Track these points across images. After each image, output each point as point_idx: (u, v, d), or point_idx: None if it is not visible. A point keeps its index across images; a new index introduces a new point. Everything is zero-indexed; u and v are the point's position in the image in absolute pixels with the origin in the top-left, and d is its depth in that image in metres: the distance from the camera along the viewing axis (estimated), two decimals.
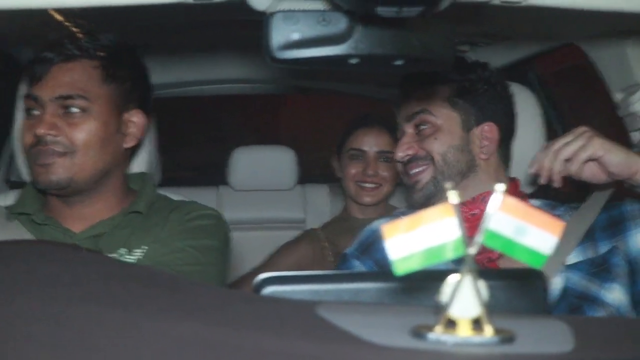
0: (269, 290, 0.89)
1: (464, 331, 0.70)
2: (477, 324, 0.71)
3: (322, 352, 0.68)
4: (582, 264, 1.71)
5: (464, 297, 0.70)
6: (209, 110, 8.60)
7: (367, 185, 2.80)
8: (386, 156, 2.79)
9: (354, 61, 1.09)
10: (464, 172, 1.79)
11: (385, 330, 0.73)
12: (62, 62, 1.75)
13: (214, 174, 3.71)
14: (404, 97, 1.87)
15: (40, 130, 1.70)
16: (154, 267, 1.56)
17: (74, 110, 1.74)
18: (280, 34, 1.07)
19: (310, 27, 1.08)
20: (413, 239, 0.71)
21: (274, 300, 0.83)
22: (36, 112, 1.75)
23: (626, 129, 2.06)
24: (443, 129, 1.80)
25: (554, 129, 2.98)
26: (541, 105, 2.12)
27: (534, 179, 1.84)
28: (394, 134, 2.73)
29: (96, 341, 0.66)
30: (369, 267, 1.82)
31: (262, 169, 3.43)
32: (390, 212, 2.52)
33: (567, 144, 1.62)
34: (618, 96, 2.05)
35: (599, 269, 1.69)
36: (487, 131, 1.82)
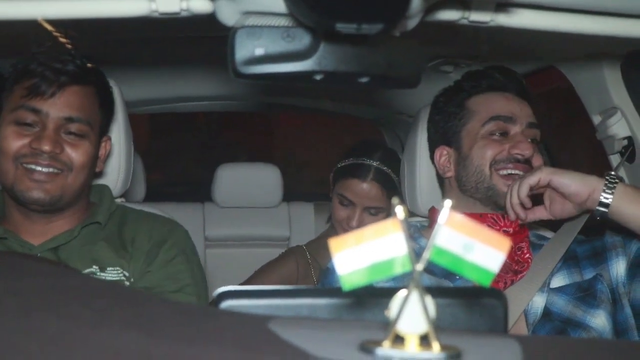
0: (226, 304, 0.88)
1: (411, 347, 0.70)
2: (425, 340, 0.70)
3: None
4: (568, 288, 1.72)
5: (412, 313, 0.70)
6: (197, 127, 8.61)
7: (350, 230, 2.77)
8: (375, 210, 2.74)
9: (318, 77, 1.09)
10: None
11: (333, 345, 0.72)
12: (73, 84, 1.79)
13: (201, 191, 3.71)
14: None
15: (45, 147, 1.73)
16: (113, 283, 1.56)
17: (75, 132, 1.79)
18: (244, 49, 1.07)
19: (274, 42, 1.07)
20: (360, 254, 0.70)
21: (226, 314, 0.83)
22: (34, 126, 1.76)
23: (605, 152, 2.08)
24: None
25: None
26: None
27: None
28: (386, 186, 2.72)
29: (27, 349, 0.65)
30: None
31: (247, 186, 3.43)
32: None
33: (522, 179, 1.68)
34: (596, 119, 2.06)
35: (585, 293, 1.71)
36: None
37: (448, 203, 0.70)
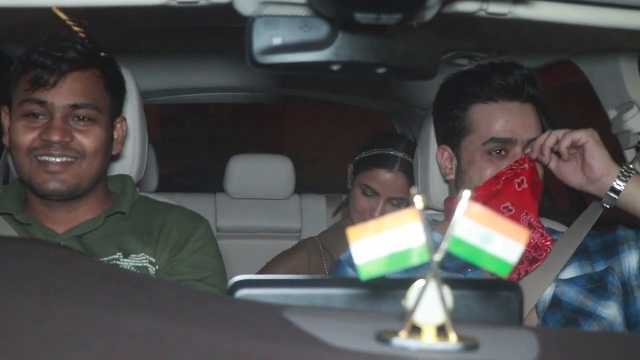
0: (241, 293, 0.88)
1: (428, 337, 0.70)
2: (441, 330, 0.70)
3: (284, 355, 0.67)
4: (579, 279, 1.72)
5: (429, 304, 0.70)
6: (210, 118, 8.63)
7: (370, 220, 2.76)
8: (397, 201, 2.72)
9: (335, 67, 1.09)
10: None
11: (350, 334, 0.72)
12: (75, 70, 1.79)
13: (211, 183, 3.72)
14: None
15: (55, 137, 1.73)
16: (124, 269, 1.58)
17: (85, 118, 1.79)
18: (262, 39, 1.07)
19: (291, 32, 1.07)
20: (378, 244, 0.70)
21: (242, 302, 0.83)
22: (41, 117, 1.77)
23: (620, 147, 2.07)
24: None
25: None
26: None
27: None
28: (411, 177, 2.71)
29: (44, 332, 0.65)
30: None
31: (259, 178, 3.43)
32: None
33: (566, 133, 1.69)
34: (611, 113, 2.05)
35: (596, 285, 1.71)
36: None
37: (467, 194, 0.70)
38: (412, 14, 0.97)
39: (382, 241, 0.70)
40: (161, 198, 2.06)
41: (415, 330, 0.70)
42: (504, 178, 1.74)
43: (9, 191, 1.90)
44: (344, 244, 2.77)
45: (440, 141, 1.94)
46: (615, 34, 1.53)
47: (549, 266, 1.71)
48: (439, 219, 2.01)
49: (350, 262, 1.85)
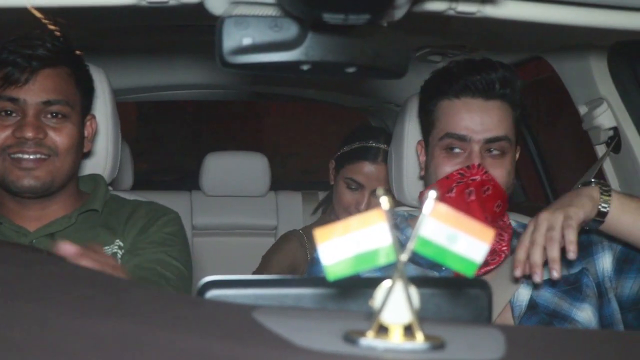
0: (211, 294, 0.88)
1: (395, 337, 0.70)
2: (409, 330, 0.71)
3: (251, 357, 0.68)
4: (554, 281, 1.72)
5: (396, 303, 0.70)
6: (186, 116, 8.60)
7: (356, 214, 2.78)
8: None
9: (305, 67, 1.09)
10: None
11: (317, 335, 0.72)
12: (46, 67, 1.78)
13: (187, 180, 3.72)
14: None
15: (28, 134, 1.72)
16: (95, 271, 1.57)
17: (57, 115, 1.78)
18: (232, 39, 1.07)
19: (261, 32, 1.07)
20: (345, 244, 0.71)
21: (211, 303, 0.83)
22: (14, 115, 1.76)
23: (592, 143, 2.09)
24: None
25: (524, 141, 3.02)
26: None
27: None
28: None
29: (10, 337, 0.65)
30: None
31: (234, 175, 3.43)
32: None
33: (549, 232, 1.53)
34: (582, 110, 2.07)
35: (571, 287, 1.71)
36: None
37: (433, 194, 0.70)
38: (380, 14, 0.97)
39: (349, 242, 0.71)
40: (135, 196, 2.05)
41: (383, 330, 0.71)
42: (454, 184, 1.71)
43: None
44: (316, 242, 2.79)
45: (421, 135, 1.94)
46: (584, 31, 1.54)
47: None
48: (415, 214, 2.01)
49: None
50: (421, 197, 1.90)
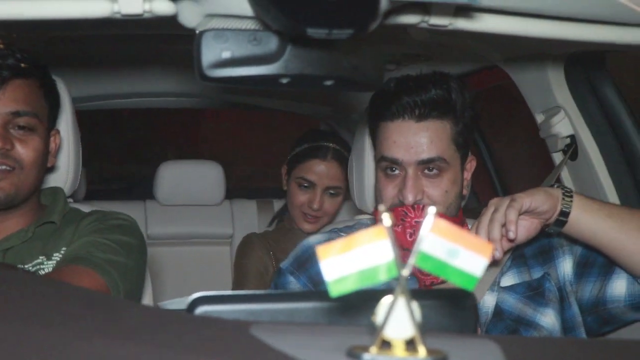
0: (202, 309, 0.88)
1: (398, 352, 0.71)
2: (410, 344, 0.72)
3: None
4: (518, 287, 1.75)
5: (398, 318, 0.71)
6: (135, 123, 8.50)
7: (310, 215, 2.82)
8: (334, 191, 2.80)
9: (284, 80, 1.09)
10: None
11: (320, 350, 0.73)
12: (15, 78, 1.75)
13: (141, 188, 3.69)
14: None
15: None
16: (87, 289, 1.54)
17: (24, 127, 1.75)
18: (211, 53, 1.07)
19: (241, 46, 1.08)
20: (347, 261, 0.71)
21: (207, 320, 0.83)
22: None
23: (548, 150, 2.13)
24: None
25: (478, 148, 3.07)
26: None
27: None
28: (344, 166, 2.76)
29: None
30: (303, 283, 1.83)
31: (189, 184, 3.41)
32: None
33: (493, 214, 1.58)
34: (539, 118, 2.11)
35: (534, 292, 1.74)
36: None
37: (432, 210, 0.71)
38: (364, 29, 0.98)
39: (350, 258, 0.71)
40: (89, 207, 2.02)
41: (385, 344, 0.72)
42: (400, 220, 1.71)
43: None
44: (288, 243, 2.82)
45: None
46: (542, 41, 1.56)
47: (484, 273, 1.72)
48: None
49: (290, 271, 1.86)
50: (375, 214, 1.93)
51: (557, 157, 2.09)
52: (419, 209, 1.71)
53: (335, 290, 0.72)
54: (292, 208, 2.87)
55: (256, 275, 2.84)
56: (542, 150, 2.20)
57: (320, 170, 2.80)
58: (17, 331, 0.70)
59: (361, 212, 2.21)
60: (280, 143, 3.06)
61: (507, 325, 1.70)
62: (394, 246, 0.71)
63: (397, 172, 1.76)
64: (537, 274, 1.77)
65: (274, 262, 2.86)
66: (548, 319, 1.71)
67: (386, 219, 0.71)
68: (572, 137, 2.03)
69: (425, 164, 1.74)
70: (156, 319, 0.83)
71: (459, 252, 0.72)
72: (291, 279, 1.84)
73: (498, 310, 1.73)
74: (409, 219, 1.70)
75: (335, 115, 3.52)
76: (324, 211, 2.82)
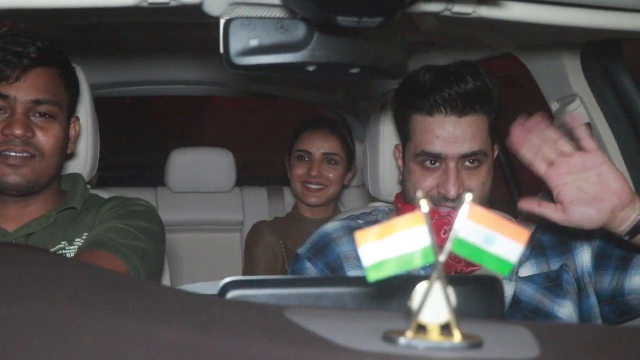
0: (233, 294, 0.89)
1: (433, 336, 0.72)
2: (445, 329, 0.73)
3: (295, 356, 0.69)
4: (537, 277, 1.75)
5: (434, 303, 0.72)
6: (147, 110, 8.51)
7: (312, 186, 2.86)
8: (331, 158, 2.86)
9: (311, 68, 1.10)
10: None
11: (356, 334, 0.74)
12: (37, 66, 1.77)
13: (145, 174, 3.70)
14: None
15: (17, 131, 1.72)
16: (120, 272, 1.56)
17: (45, 115, 1.78)
18: (239, 41, 1.08)
19: (268, 34, 1.08)
20: (385, 246, 0.72)
21: (241, 304, 0.84)
22: (1, 112, 1.75)
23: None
24: None
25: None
26: None
27: None
28: (341, 136, 2.82)
29: (84, 343, 0.65)
30: (320, 269, 1.84)
31: (200, 171, 3.43)
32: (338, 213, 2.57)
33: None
34: (554, 106, 2.11)
35: (553, 283, 1.74)
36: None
37: (469, 197, 0.72)
38: (392, 17, 0.99)
39: (388, 244, 0.72)
40: (104, 193, 2.04)
41: (420, 329, 0.73)
42: (433, 220, 1.69)
43: None
44: (295, 231, 2.85)
45: (399, 140, 1.93)
46: (559, 29, 1.56)
47: None
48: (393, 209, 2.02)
49: (307, 257, 1.87)
50: (398, 200, 1.92)
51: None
52: (451, 214, 1.71)
53: (373, 276, 0.73)
54: (294, 184, 2.95)
55: (266, 262, 2.87)
56: None
57: (314, 138, 2.90)
58: (63, 313, 0.72)
59: (374, 199, 2.22)
60: (287, 131, 3.12)
61: (524, 316, 1.71)
62: (431, 232, 0.72)
63: (436, 164, 1.75)
64: (555, 265, 1.77)
65: (284, 250, 2.89)
66: (565, 310, 1.72)
67: (424, 205, 0.71)
68: (588, 125, 2.03)
69: (466, 157, 1.73)
70: (191, 303, 0.84)
71: (495, 238, 0.72)
72: (308, 265, 1.85)
73: (516, 301, 1.73)
74: (446, 219, 1.70)
75: (344, 103, 3.53)
76: (326, 179, 2.87)
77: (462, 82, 1.72)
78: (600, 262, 1.73)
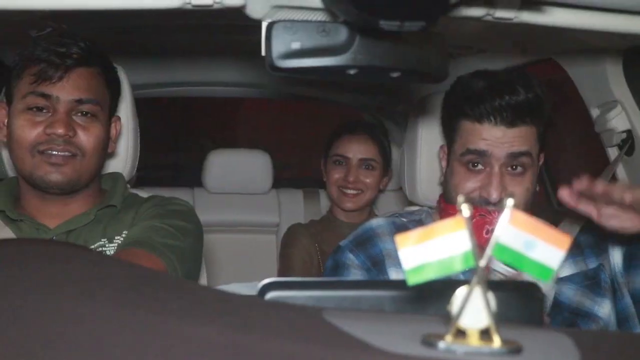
0: (272, 295, 0.90)
1: (473, 341, 0.72)
2: (484, 334, 0.73)
3: (333, 358, 0.69)
4: (575, 277, 1.75)
5: (474, 308, 0.72)
6: (185, 112, 8.56)
7: (349, 191, 2.87)
8: (368, 163, 2.86)
9: (352, 72, 1.11)
10: None
11: (394, 337, 0.74)
12: (79, 66, 1.80)
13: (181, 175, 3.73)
14: None
15: (59, 130, 1.74)
16: (161, 271, 1.57)
17: (87, 114, 1.81)
18: (281, 43, 1.09)
19: (310, 37, 1.09)
20: (425, 251, 0.72)
21: (280, 305, 0.84)
22: (45, 111, 1.78)
23: (603, 145, 2.11)
24: None
25: None
26: None
27: None
28: (379, 141, 2.82)
29: (126, 341, 0.67)
30: (362, 261, 1.85)
31: (237, 172, 3.44)
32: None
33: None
34: (594, 112, 2.10)
35: (592, 282, 1.74)
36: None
37: (511, 202, 0.72)
38: (434, 21, 0.99)
39: (428, 248, 0.73)
40: (143, 193, 2.07)
41: (460, 333, 0.73)
42: (474, 219, 1.69)
43: (1, 188, 1.89)
44: (330, 234, 2.85)
45: (444, 140, 1.94)
46: (604, 35, 1.55)
47: None
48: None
49: (350, 248, 1.88)
50: (441, 200, 1.92)
51: (612, 152, 2.08)
52: (494, 214, 1.70)
53: (412, 279, 0.73)
54: (330, 188, 2.95)
55: (301, 264, 2.88)
56: (593, 146, 2.18)
57: (352, 143, 2.89)
58: (105, 311, 0.73)
59: (410, 203, 2.22)
60: (323, 133, 3.13)
61: (565, 318, 1.71)
62: (472, 237, 0.72)
63: (479, 167, 1.75)
64: (592, 264, 1.77)
65: (319, 253, 2.90)
66: (605, 309, 1.71)
67: (465, 209, 0.72)
68: (629, 132, 2.01)
69: (513, 159, 1.72)
70: (231, 303, 0.85)
71: (536, 244, 0.72)
72: (350, 255, 1.86)
73: (556, 303, 1.73)
74: (488, 219, 1.70)
75: (383, 107, 3.52)
76: (363, 184, 2.87)
77: (514, 93, 1.71)
78: (629, 262, 1.73)
